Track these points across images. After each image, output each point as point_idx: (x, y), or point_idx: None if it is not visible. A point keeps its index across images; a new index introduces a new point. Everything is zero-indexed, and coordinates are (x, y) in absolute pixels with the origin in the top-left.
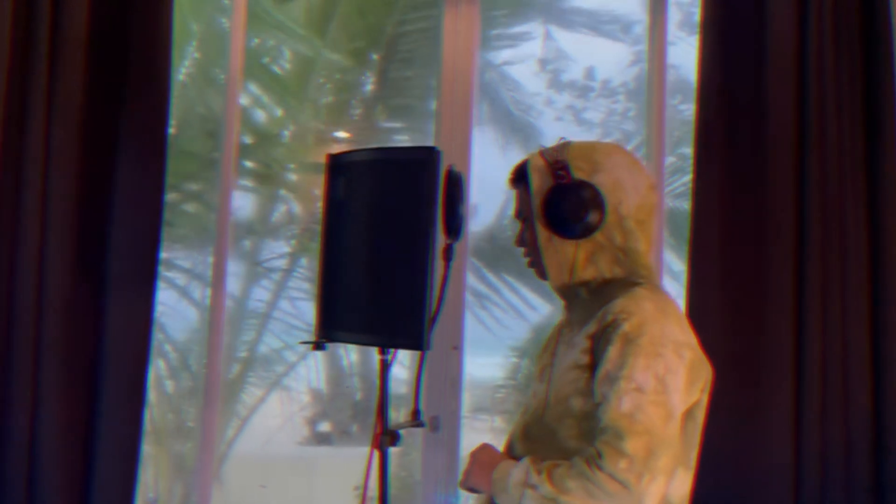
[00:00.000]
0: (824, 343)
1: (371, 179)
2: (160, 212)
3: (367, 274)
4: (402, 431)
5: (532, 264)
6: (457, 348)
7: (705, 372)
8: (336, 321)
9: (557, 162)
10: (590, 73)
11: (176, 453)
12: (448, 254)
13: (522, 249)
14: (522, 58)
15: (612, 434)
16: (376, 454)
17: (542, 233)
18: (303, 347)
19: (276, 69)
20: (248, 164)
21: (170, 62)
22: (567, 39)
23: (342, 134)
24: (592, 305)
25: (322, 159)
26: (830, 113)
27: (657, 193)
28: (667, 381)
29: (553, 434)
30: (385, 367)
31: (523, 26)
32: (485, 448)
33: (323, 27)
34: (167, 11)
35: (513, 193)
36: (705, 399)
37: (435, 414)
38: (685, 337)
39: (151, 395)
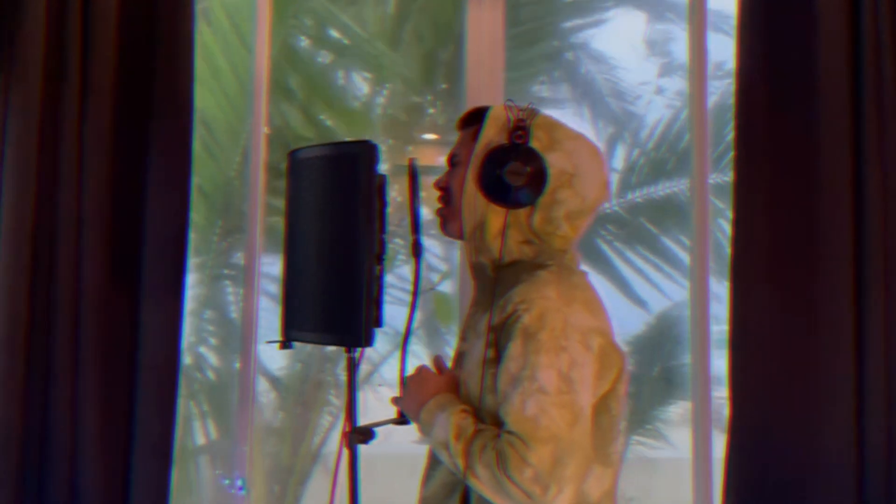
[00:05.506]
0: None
1: (319, 176)
2: (186, 215)
3: (319, 272)
4: (377, 430)
5: (442, 213)
6: None
7: (617, 359)
8: (297, 320)
9: (520, 121)
10: None
11: (269, 454)
12: (416, 250)
13: (438, 194)
14: (627, 42)
15: (517, 438)
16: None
17: (470, 185)
18: (391, 346)
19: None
20: None
21: (192, 67)
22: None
23: (429, 136)
24: (494, 287)
25: (405, 162)
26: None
27: (607, 194)
28: (572, 377)
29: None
30: (352, 365)
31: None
32: (419, 374)
33: (394, 32)
34: (188, 18)
35: (457, 136)
36: (622, 388)
37: None
38: (594, 322)
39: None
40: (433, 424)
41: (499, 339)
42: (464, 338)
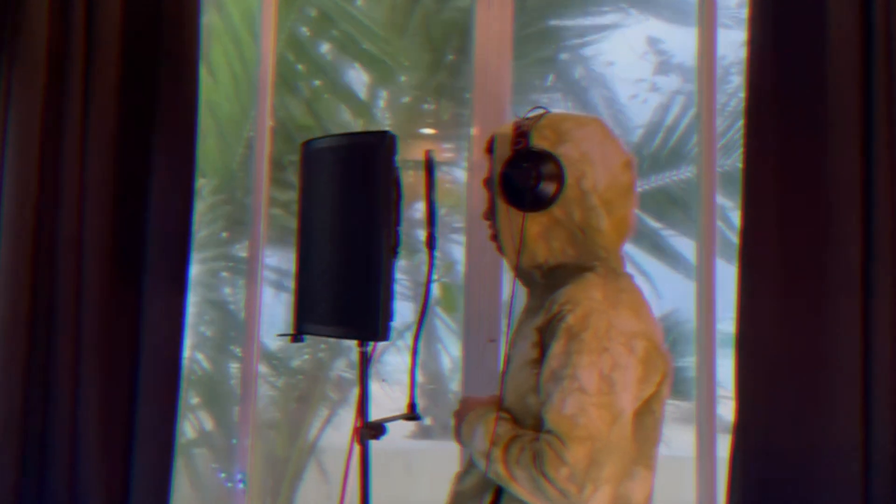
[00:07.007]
0: None
1: (334, 167)
2: (190, 210)
3: (333, 265)
4: (388, 425)
5: (494, 238)
6: (494, 341)
7: (662, 363)
8: (310, 313)
9: (519, 128)
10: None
11: (263, 447)
12: (431, 242)
13: (488, 223)
14: (625, 43)
15: (555, 437)
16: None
17: (500, 203)
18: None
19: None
20: None
21: (197, 62)
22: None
23: (428, 130)
24: (545, 292)
25: (410, 156)
26: None
27: (632, 173)
28: (613, 378)
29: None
30: (365, 359)
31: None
32: (463, 401)
33: (401, 27)
34: (194, 12)
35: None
36: (665, 391)
37: None
38: (640, 326)
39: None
40: (473, 436)
41: (543, 339)
42: (512, 343)
